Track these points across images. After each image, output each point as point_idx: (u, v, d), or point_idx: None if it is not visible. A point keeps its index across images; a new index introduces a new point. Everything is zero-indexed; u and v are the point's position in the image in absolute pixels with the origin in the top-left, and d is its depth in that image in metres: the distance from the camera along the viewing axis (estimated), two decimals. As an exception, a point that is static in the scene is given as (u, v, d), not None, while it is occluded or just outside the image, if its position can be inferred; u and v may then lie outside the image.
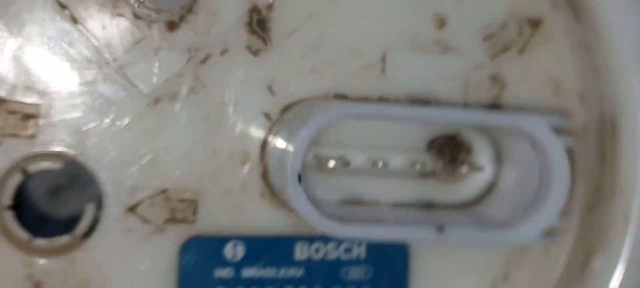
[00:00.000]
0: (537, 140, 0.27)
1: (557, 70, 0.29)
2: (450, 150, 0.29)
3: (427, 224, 0.27)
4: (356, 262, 0.28)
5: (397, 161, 0.29)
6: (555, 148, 0.27)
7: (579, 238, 0.30)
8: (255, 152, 0.27)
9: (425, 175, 0.29)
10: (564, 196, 0.27)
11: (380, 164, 0.28)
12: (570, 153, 0.27)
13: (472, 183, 0.30)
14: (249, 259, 0.27)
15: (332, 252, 0.28)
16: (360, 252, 0.28)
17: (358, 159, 0.28)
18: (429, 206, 0.29)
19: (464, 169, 0.29)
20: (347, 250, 0.28)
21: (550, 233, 0.28)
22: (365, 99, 0.28)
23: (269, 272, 0.27)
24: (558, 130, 0.27)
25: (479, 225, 0.27)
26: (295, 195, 0.25)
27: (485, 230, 0.27)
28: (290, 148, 0.25)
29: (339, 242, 0.28)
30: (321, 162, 0.28)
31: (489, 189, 0.29)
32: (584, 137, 0.29)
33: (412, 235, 0.27)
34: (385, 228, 0.27)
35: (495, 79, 0.29)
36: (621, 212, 0.28)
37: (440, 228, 0.27)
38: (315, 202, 0.26)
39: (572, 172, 0.27)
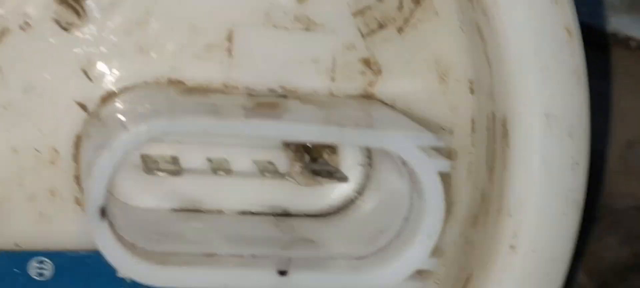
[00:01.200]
0: (406, 163, 0.23)
1: (444, 53, 0.26)
2: (310, 150, 0.25)
3: (268, 266, 0.23)
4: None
5: (243, 161, 0.25)
6: (427, 174, 0.23)
7: (459, 254, 0.26)
8: (67, 149, 0.24)
9: (279, 176, 0.26)
10: (436, 232, 0.24)
11: (222, 165, 0.25)
12: (446, 179, 0.24)
13: (333, 191, 0.26)
14: (59, 278, 0.24)
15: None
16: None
17: (195, 159, 0.25)
18: (282, 215, 0.26)
19: (326, 175, 0.25)
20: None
21: (419, 275, 0.25)
22: (205, 89, 0.24)
23: (83, 293, 0.25)
24: (431, 151, 0.24)
25: (332, 260, 0.24)
26: (97, 234, 0.22)
27: (340, 272, 0.24)
28: (90, 175, 0.21)
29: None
30: (149, 164, 0.24)
31: (352, 202, 0.26)
32: (472, 132, 0.26)
33: (249, 282, 0.24)
34: (215, 271, 0.23)
35: (368, 62, 0.25)
36: (508, 234, 0.25)
37: (282, 272, 0.23)
38: (128, 235, 0.23)
39: (447, 201, 0.24)
